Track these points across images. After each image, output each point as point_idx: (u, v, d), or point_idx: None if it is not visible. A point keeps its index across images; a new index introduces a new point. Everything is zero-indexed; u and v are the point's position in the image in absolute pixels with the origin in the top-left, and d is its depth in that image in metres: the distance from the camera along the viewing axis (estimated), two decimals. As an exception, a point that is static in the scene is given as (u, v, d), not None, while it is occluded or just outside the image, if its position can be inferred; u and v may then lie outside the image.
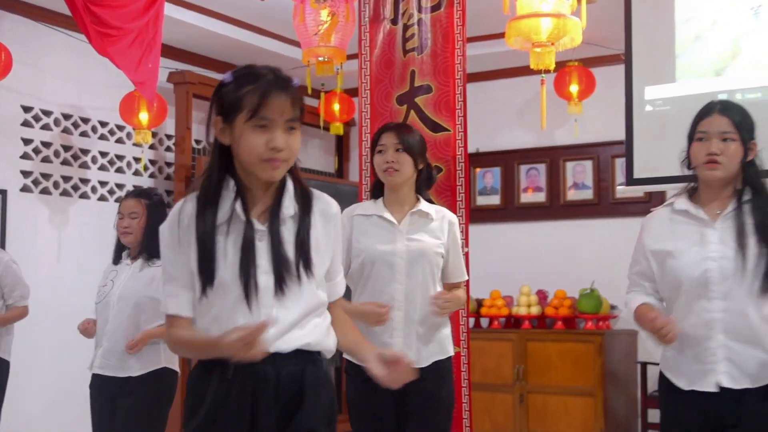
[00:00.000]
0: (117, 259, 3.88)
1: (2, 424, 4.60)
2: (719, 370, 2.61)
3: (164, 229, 2.10)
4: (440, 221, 3.23)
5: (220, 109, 2.06)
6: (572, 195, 6.68)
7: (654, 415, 5.92)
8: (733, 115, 2.67)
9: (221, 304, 2.05)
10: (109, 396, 3.74)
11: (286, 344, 2.05)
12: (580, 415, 5.93)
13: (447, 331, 3.27)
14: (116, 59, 4.48)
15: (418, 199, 3.26)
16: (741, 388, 2.60)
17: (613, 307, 6.32)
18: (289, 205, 2.10)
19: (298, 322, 2.07)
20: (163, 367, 3.75)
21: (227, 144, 2.06)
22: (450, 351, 3.26)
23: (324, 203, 2.17)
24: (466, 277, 3.35)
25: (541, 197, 6.79)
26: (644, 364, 5.91)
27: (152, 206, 3.81)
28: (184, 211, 2.08)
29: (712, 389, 2.62)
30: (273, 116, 2.01)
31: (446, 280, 3.26)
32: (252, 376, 2.04)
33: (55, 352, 5.33)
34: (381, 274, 3.16)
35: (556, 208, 6.72)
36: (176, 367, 3.82)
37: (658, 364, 2.84)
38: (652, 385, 5.98)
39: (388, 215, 3.22)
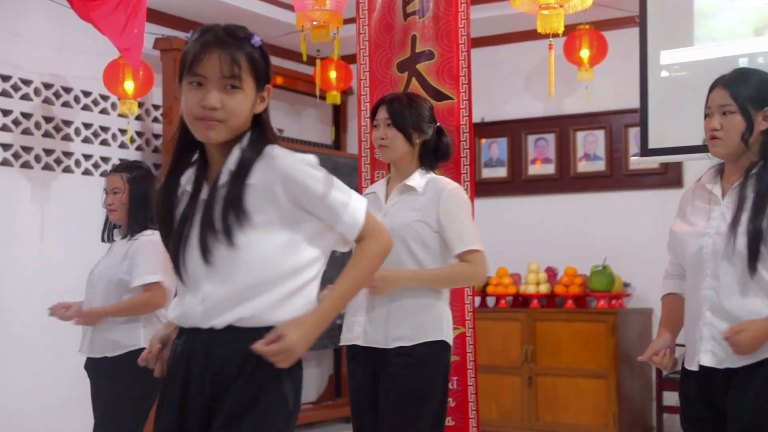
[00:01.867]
0: (108, 237, 3.93)
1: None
2: (702, 349, 2.65)
3: None
4: (430, 194, 3.16)
5: (178, 73, 2.08)
6: (583, 167, 6.70)
7: (670, 398, 5.97)
8: (733, 86, 2.67)
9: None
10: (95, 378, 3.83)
11: (219, 320, 1.98)
12: (592, 398, 5.98)
13: (430, 315, 3.14)
14: (100, 24, 4.48)
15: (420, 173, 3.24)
16: (724, 368, 2.62)
17: (626, 285, 6.36)
18: (232, 167, 2.00)
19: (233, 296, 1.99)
20: (142, 347, 3.72)
21: None
22: (430, 336, 3.11)
23: (270, 157, 2.02)
24: (473, 247, 3.12)
25: (550, 169, 6.81)
26: (659, 345, 5.92)
27: (135, 180, 3.82)
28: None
29: (695, 368, 2.67)
30: (206, 73, 1.98)
31: (452, 253, 3.18)
32: (187, 351, 2.02)
33: (39, 334, 5.36)
34: None
35: (566, 180, 6.74)
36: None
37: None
38: (668, 367, 6.02)
39: (380, 192, 3.26)
